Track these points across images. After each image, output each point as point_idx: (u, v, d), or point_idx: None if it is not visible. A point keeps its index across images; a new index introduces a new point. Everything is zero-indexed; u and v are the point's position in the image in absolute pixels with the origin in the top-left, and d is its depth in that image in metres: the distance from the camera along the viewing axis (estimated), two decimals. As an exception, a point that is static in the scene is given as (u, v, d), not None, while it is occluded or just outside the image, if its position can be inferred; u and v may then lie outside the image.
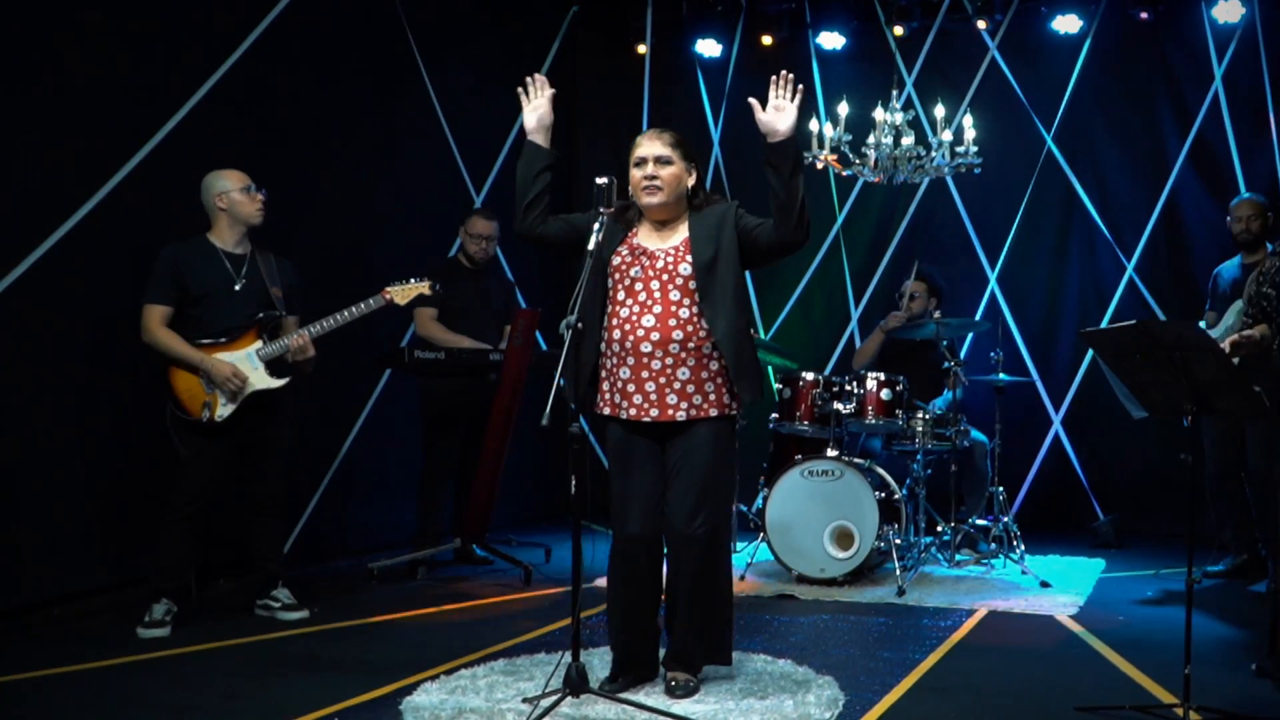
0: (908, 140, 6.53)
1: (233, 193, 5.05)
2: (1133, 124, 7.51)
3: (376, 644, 4.75)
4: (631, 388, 3.90)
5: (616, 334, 3.90)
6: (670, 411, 3.88)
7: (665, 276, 3.89)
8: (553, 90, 4.02)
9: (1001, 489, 6.31)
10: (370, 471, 6.85)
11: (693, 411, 3.88)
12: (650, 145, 3.97)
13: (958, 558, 6.21)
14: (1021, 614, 5.29)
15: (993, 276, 7.72)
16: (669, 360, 3.86)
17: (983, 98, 7.61)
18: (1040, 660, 4.52)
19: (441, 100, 7.32)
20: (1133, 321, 3.67)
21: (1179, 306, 7.32)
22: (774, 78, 3.77)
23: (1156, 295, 7.41)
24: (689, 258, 3.89)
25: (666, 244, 3.95)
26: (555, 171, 4.01)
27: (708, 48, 8.39)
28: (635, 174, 3.98)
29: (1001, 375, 6.32)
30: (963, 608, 5.37)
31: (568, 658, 3.76)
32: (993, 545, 6.25)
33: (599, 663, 4.22)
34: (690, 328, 3.86)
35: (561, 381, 3.67)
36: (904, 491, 6.08)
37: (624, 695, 3.84)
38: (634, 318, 3.88)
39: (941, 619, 5.17)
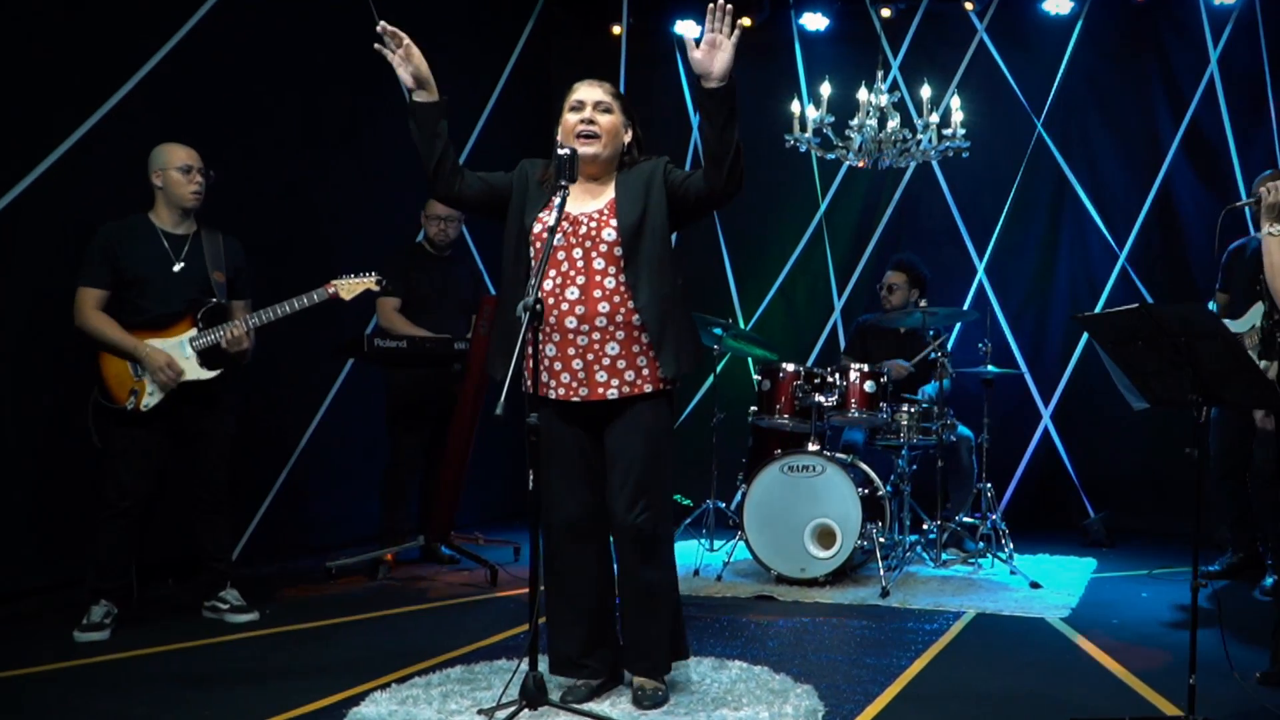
0: (893, 123, 6.29)
1: (170, 170, 4.76)
2: (1126, 109, 7.26)
3: (328, 649, 4.47)
4: (559, 365, 3.60)
5: (538, 308, 3.60)
6: (600, 390, 3.58)
7: (588, 244, 3.57)
8: (406, 39, 3.64)
9: (989, 485, 6.06)
10: (331, 465, 6.57)
11: (625, 389, 3.58)
12: (590, 90, 3.67)
13: (944, 556, 5.96)
14: (1011, 616, 5.04)
15: (980, 266, 7.47)
16: (596, 335, 3.56)
17: (971, 81, 7.36)
18: (1031, 667, 4.26)
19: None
20: (1134, 305, 3.40)
21: (1173, 297, 7.08)
22: (710, 6, 3.37)
23: (1150, 285, 7.17)
24: (613, 222, 3.58)
25: (591, 207, 3.63)
26: (451, 119, 3.67)
27: (687, 29, 8.10)
28: (570, 119, 3.65)
29: (990, 367, 6.07)
30: (949, 610, 5.11)
31: (526, 666, 3.49)
32: (980, 544, 6.01)
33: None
34: (617, 299, 3.56)
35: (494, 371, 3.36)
36: (888, 488, 5.82)
37: (585, 707, 3.57)
38: (557, 290, 3.57)
39: (927, 622, 4.91)
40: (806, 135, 6.32)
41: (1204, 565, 5.81)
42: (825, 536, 5.55)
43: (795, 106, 6.34)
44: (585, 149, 3.60)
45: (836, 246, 7.82)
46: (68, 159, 5.09)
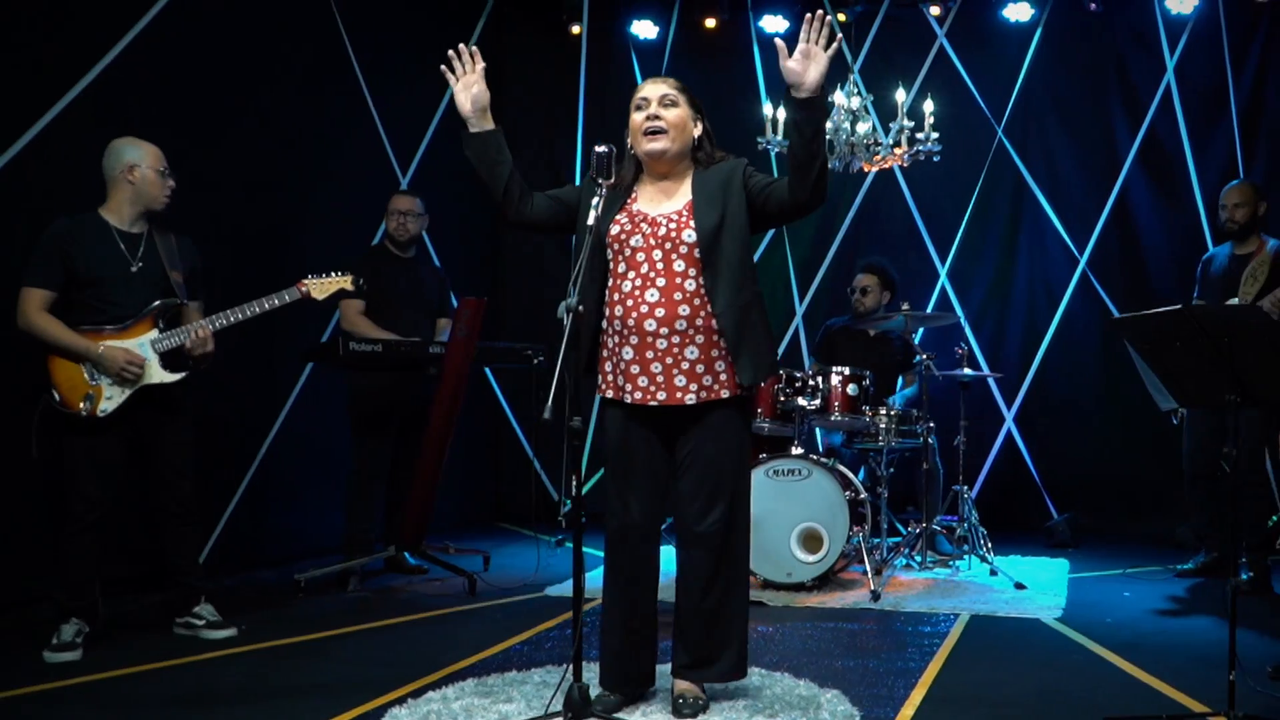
0: (865, 126, 6.28)
1: (145, 169, 4.51)
2: (1084, 116, 7.36)
3: (322, 664, 4.26)
4: (636, 369, 3.50)
5: (618, 310, 3.51)
6: (679, 394, 3.49)
7: (668, 246, 3.49)
8: (483, 64, 3.60)
9: (967, 488, 6.07)
10: (292, 474, 6.35)
11: (703, 394, 3.50)
12: (654, 86, 3.59)
13: (929, 559, 5.94)
14: (1006, 618, 5.02)
15: (943, 271, 7.50)
16: (675, 339, 3.47)
17: (931, 86, 7.36)
18: (1046, 667, 4.23)
19: (366, 75, 6.85)
20: (1177, 306, 3.40)
21: (1132, 303, 7.18)
22: (807, 16, 3.33)
23: (1110, 290, 7.26)
24: (692, 223, 3.50)
25: (668, 208, 3.56)
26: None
27: (643, 29, 8.05)
28: (636, 118, 3.57)
29: (967, 370, 6.08)
30: (943, 612, 5.09)
31: (543, 675, 3.44)
32: (963, 546, 6.00)
33: (589, 678, 3.80)
34: (697, 301, 3.48)
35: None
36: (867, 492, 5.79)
37: (632, 718, 3.45)
38: (636, 293, 3.49)
39: (924, 624, 4.88)
40: (778, 138, 6.28)
41: (1179, 565, 5.94)
42: (810, 540, 5.49)
43: (768, 109, 6.30)
44: (653, 145, 3.52)
45: (797, 250, 7.80)
46: (22, 156, 4.84)
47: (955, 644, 4.55)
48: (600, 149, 3.42)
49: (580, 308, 3.29)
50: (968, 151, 7.37)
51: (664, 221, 3.52)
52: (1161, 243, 7.17)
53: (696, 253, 3.48)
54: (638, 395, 3.51)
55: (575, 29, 8.12)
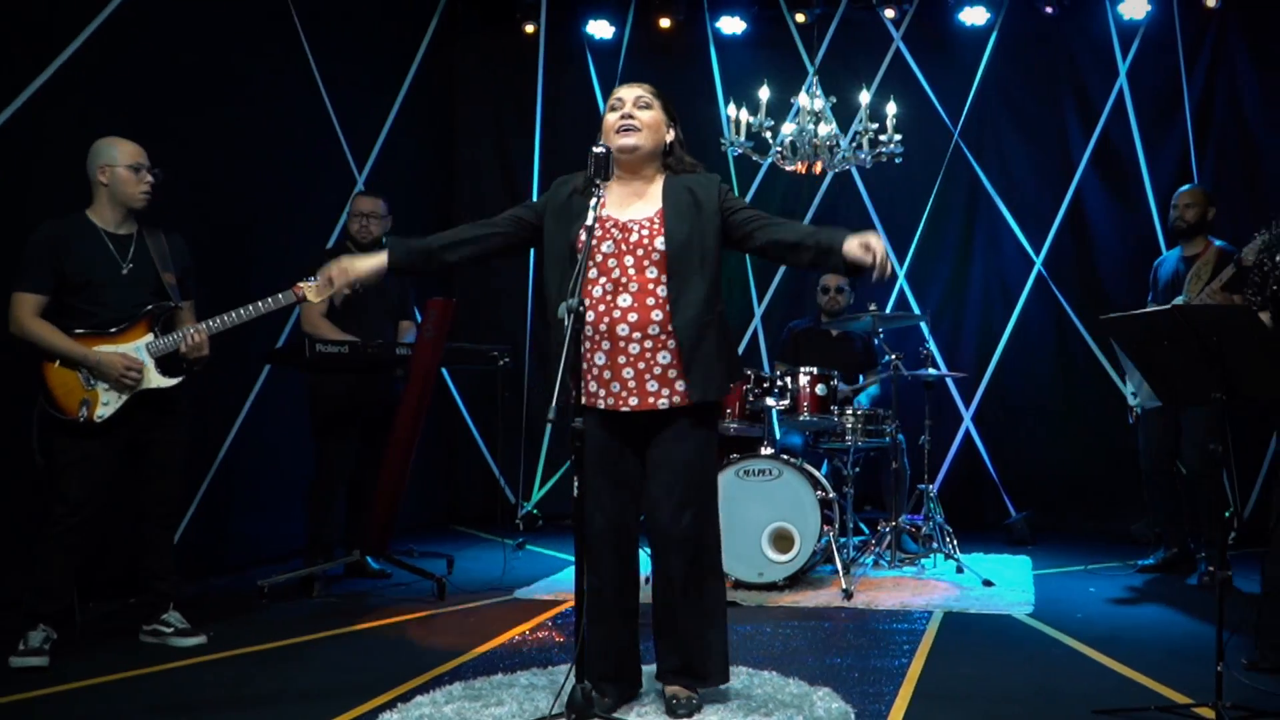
0: (828, 128, 6.31)
1: (118, 168, 4.41)
2: (1039, 119, 7.46)
3: (300, 671, 4.17)
4: (608, 374, 3.49)
5: (590, 316, 3.48)
6: (651, 399, 3.47)
7: (640, 252, 3.47)
8: (332, 277, 3.63)
9: (932, 487, 6.11)
10: (250, 478, 6.21)
11: (675, 399, 3.48)
12: (630, 89, 3.62)
13: (898, 558, 5.98)
14: (980, 614, 5.06)
15: (901, 272, 7.56)
16: (648, 344, 3.46)
17: (888, 89, 7.40)
18: (1028, 663, 4.27)
19: (323, 72, 6.74)
20: (1169, 306, 3.45)
21: (1087, 303, 7.30)
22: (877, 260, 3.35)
23: (1064, 290, 7.36)
24: (664, 232, 3.49)
25: (639, 214, 3.54)
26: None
27: (599, 29, 8.02)
28: (610, 117, 3.58)
29: (932, 370, 6.13)
30: (916, 609, 5.11)
31: (529, 678, 3.53)
32: (930, 545, 6.04)
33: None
34: (670, 307, 3.46)
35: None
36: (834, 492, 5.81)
37: (629, 717, 3.43)
38: (608, 298, 3.47)
39: (899, 621, 4.90)
40: (740, 139, 6.28)
41: (1141, 560, 6.03)
42: (781, 540, 5.49)
43: (731, 110, 6.30)
44: (625, 140, 3.51)
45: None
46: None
47: (934, 641, 4.57)
48: (597, 149, 3.40)
49: (582, 309, 3.26)
50: (924, 153, 7.43)
51: (635, 227, 3.50)
52: (1115, 244, 7.28)
53: (667, 261, 3.46)
54: (610, 401, 3.50)
55: (529, 28, 8.06)
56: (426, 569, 5.71)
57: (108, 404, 4.29)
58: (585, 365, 3.51)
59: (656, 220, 3.50)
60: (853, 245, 3.35)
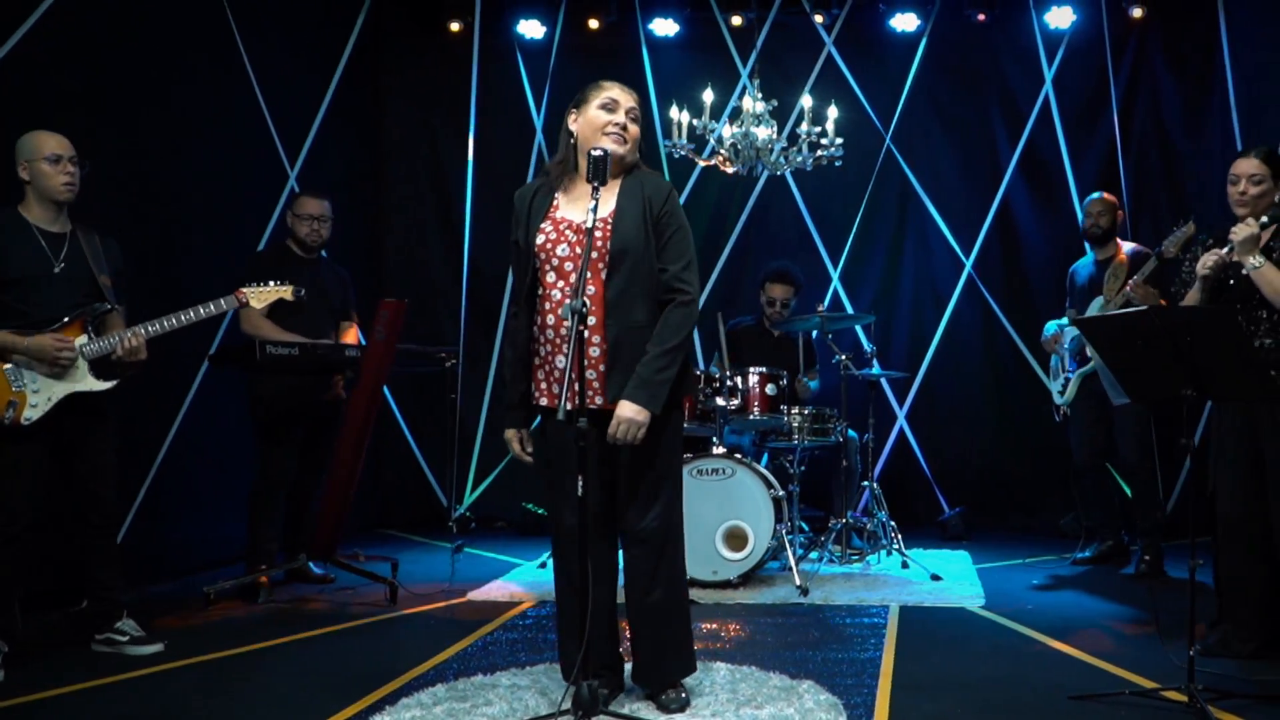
0: (767, 131, 6.36)
1: (37, 161, 4.27)
2: (968, 124, 7.62)
3: (269, 678, 4.07)
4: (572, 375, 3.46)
5: (550, 319, 3.48)
6: (615, 398, 3.46)
7: (594, 254, 3.45)
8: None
9: (877, 485, 6.21)
10: (188, 482, 6.03)
11: (599, 399, 3.48)
12: (625, 95, 3.58)
13: (847, 555, 6.06)
14: (934, 608, 5.16)
15: (835, 273, 7.65)
16: (608, 345, 3.45)
17: (820, 93, 7.53)
18: (994, 653, 4.37)
19: (255, 67, 6.58)
20: (1144, 308, 3.57)
21: (1015, 304, 7.49)
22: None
23: (993, 292, 7.54)
24: (613, 233, 3.48)
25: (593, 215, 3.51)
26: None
27: (530, 29, 7.97)
28: (602, 116, 3.53)
29: (878, 369, 6.23)
30: (872, 604, 5.19)
31: (510, 678, 3.56)
32: (877, 540, 6.14)
33: (557, 678, 3.75)
34: (605, 307, 3.45)
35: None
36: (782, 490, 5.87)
37: (639, 714, 3.45)
38: (566, 300, 3.45)
39: (859, 616, 4.97)
40: (683, 140, 6.30)
41: (1077, 553, 6.21)
42: (734, 539, 5.52)
43: (674, 113, 6.32)
44: (615, 147, 3.49)
45: (690, 252, 7.83)
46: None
47: (898, 634, 4.64)
48: (596, 152, 3.42)
49: (585, 309, 3.27)
50: (857, 156, 7.50)
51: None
52: (1041, 247, 7.48)
53: (608, 261, 3.45)
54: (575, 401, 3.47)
55: (455, 26, 7.99)
56: (375, 573, 5.62)
57: (35, 406, 4.15)
58: (545, 367, 3.52)
59: (609, 222, 3.49)
60: (615, 421, 3.38)
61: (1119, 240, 6.10)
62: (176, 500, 5.96)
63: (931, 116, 7.63)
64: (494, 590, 5.59)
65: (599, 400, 3.45)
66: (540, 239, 3.50)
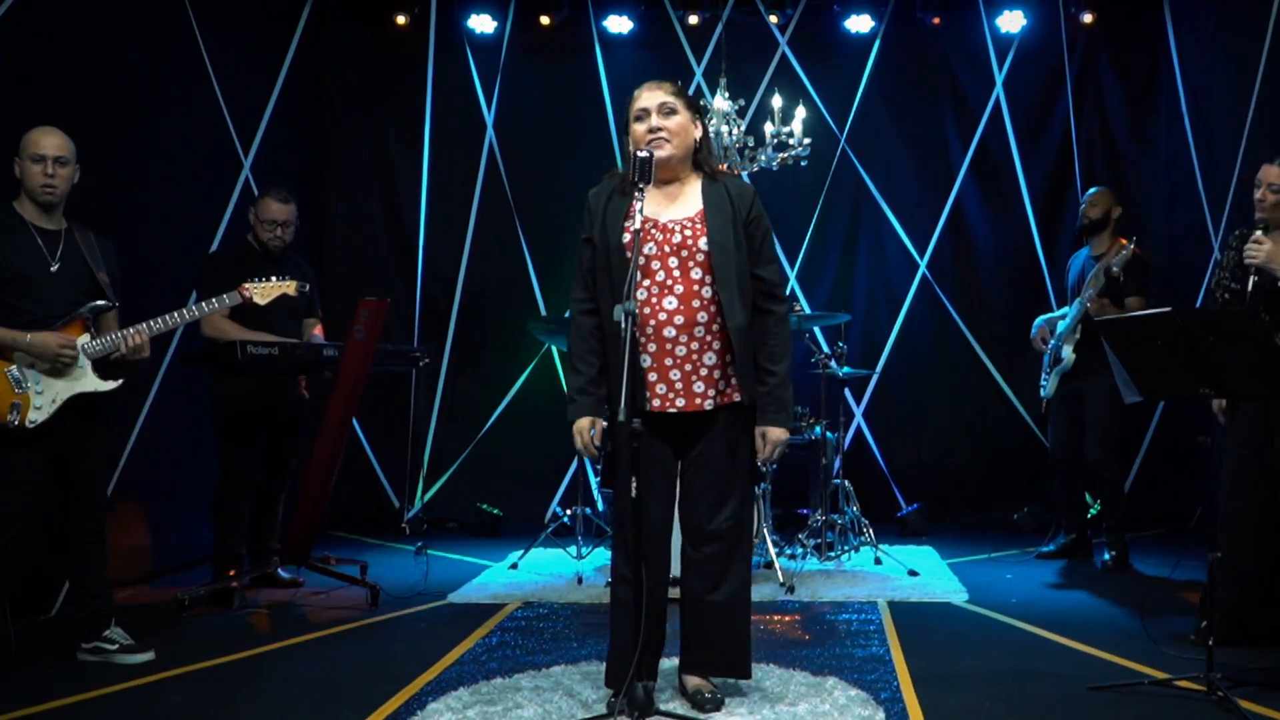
0: (735, 131, 6.38)
1: (22, 159, 4.16)
2: (921, 126, 7.71)
3: (271, 685, 3.97)
4: (654, 376, 3.46)
5: (650, 324, 3.46)
6: (698, 400, 3.47)
7: (684, 253, 3.46)
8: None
9: (848, 482, 6.26)
10: (150, 485, 5.82)
11: (719, 399, 3.50)
12: (652, 95, 3.56)
13: (825, 551, 6.10)
14: (921, 603, 5.21)
15: (793, 273, 7.69)
16: (695, 345, 3.46)
17: (774, 93, 7.55)
18: (998, 646, 4.44)
19: (212, 56, 6.38)
20: (1167, 309, 3.64)
21: (968, 304, 7.62)
22: None
23: (947, 292, 7.65)
24: (706, 234, 3.48)
25: (679, 214, 3.52)
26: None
27: (480, 23, 7.86)
28: (638, 129, 3.55)
29: (848, 368, 6.28)
30: (860, 600, 5.23)
31: (530, 680, 3.51)
32: (854, 537, 6.18)
33: (579, 679, 3.70)
34: (714, 308, 3.48)
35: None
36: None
37: (686, 713, 3.43)
38: (654, 300, 3.45)
39: (851, 612, 4.99)
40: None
41: (1041, 547, 6.33)
42: (715, 537, 5.51)
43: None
44: (656, 153, 3.48)
45: (646, 251, 7.80)
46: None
47: (897, 629, 4.67)
48: (641, 154, 3.42)
49: (637, 311, 3.27)
50: (812, 158, 7.50)
51: (676, 228, 3.49)
52: (992, 249, 7.62)
53: (711, 262, 3.46)
54: (655, 403, 3.48)
55: (401, 19, 7.84)
56: (346, 575, 5.50)
57: (39, 409, 4.00)
58: (658, 369, 3.49)
59: (698, 221, 3.49)
60: (769, 445, 3.52)
61: (1121, 239, 6.02)
62: (139, 504, 5.75)
63: (885, 118, 7.72)
64: (473, 593, 5.49)
65: (720, 400, 3.48)
66: (626, 237, 3.45)
